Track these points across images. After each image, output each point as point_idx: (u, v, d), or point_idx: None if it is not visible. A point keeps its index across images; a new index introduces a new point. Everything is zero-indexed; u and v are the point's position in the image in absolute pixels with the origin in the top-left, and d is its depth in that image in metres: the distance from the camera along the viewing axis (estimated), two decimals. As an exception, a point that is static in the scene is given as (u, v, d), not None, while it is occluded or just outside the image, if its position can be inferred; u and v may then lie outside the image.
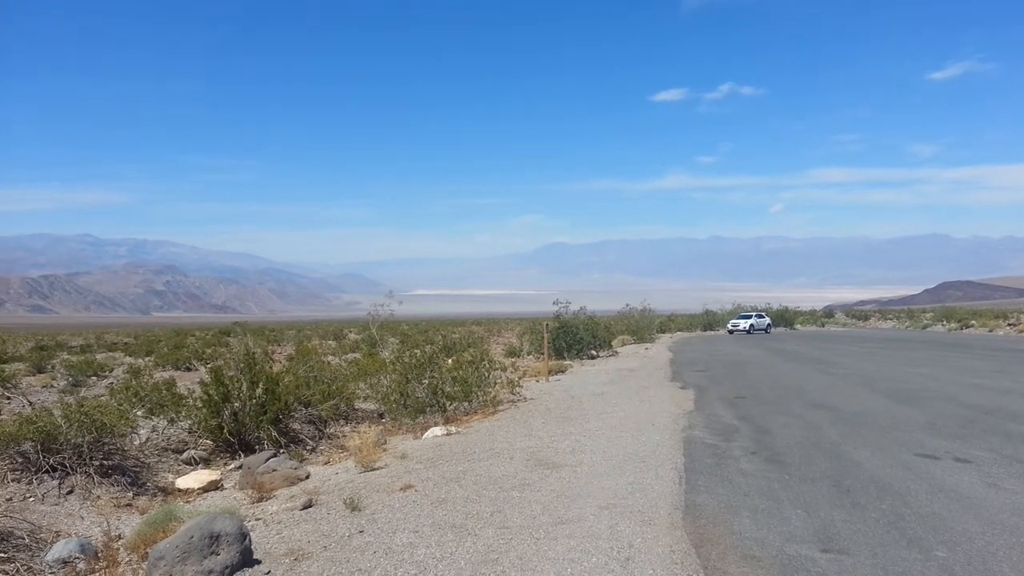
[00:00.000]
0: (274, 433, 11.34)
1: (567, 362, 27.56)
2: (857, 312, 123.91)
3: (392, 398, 14.07)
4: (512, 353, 32.67)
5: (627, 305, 58.26)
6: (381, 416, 14.48)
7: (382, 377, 15.63)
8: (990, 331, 53.85)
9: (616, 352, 35.19)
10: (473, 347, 24.70)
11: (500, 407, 14.74)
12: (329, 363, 19.69)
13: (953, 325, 62.92)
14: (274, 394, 11.56)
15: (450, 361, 16.13)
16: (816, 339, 46.61)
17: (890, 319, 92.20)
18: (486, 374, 15.30)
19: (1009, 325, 55.37)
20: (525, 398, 16.17)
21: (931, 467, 8.43)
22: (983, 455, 9.02)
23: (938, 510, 6.70)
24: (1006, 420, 11.63)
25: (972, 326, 60.01)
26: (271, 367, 13.29)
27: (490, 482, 8.18)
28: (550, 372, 22.30)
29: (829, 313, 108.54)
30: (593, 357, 31.40)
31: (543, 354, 25.20)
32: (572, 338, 31.11)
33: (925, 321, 73.75)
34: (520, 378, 16.54)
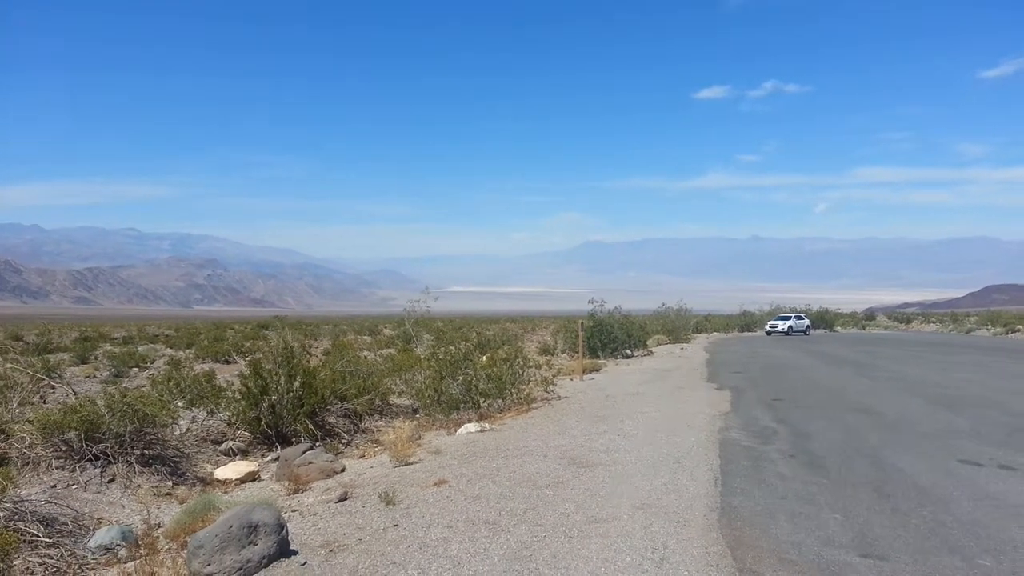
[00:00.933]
0: (310, 426, 11.46)
1: (601, 361, 27.43)
2: (899, 315, 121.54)
3: (426, 394, 14.13)
4: (546, 351, 32.62)
5: (663, 304, 57.82)
6: (415, 412, 14.56)
7: (416, 373, 15.71)
8: (1038, 336, 52.39)
9: (651, 352, 34.94)
10: (507, 344, 24.69)
11: (534, 405, 14.73)
12: (364, 358, 19.85)
13: (998, 329, 61.33)
14: (311, 388, 11.69)
15: (484, 358, 16.15)
16: (856, 342, 45.75)
17: (933, 322, 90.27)
18: (520, 372, 15.29)
19: (1058, 330, 53.81)
20: (559, 396, 16.14)
21: (974, 474, 8.23)
22: (1030, 463, 8.78)
23: (981, 518, 6.54)
24: (1054, 428, 11.30)
25: (1018, 331, 58.43)
26: (308, 361, 13.42)
27: (523, 479, 8.18)
28: (584, 371, 22.24)
29: (870, 315, 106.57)
30: (628, 356, 31.23)
31: (577, 352, 25.13)
32: (607, 337, 30.97)
33: (969, 325, 72.07)
34: (554, 376, 16.50)
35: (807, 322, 63.88)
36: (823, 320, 75.52)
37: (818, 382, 18.97)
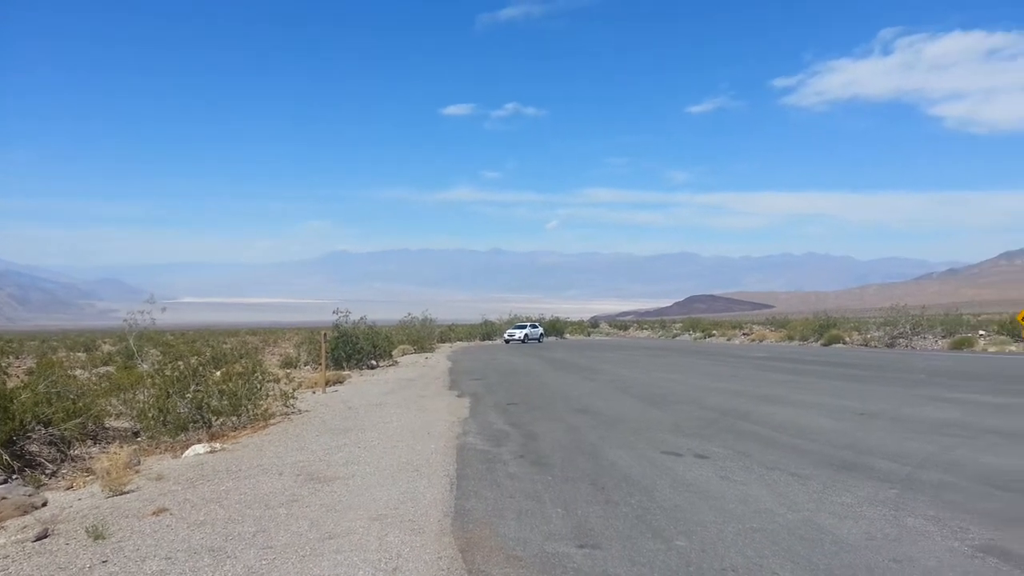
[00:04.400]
0: (6, 457, 10.06)
1: (346, 372, 27.12)
2: (618, 323, 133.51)
3: (150, 415, 13.00)
4: (289, 364, 31.53)
5: (409, 315, 58.43)
6: (137, 435, 13.36)
7: (139, 392, 14.41)
8: (728, 340, 60.50)
9: (396, 362, 35.19)
10: (246, 358, 23.46)
11: (272, 421, 14.19)
12: (76, 377, 17.79)
13: (698, 334, 69.92)
14: (7, 412, 10.26)
15: (219, 373, 15.24)
16: (582, 348, 49.69)
17: (646, 329, 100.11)
18: (258, 386, 14.64)
19: (744, 335, 62.68)
20: (300, 411, 15.68)
21: (674, 464, 9.32)
22: (718, 451, 10.11)
23: (679, 503, 7.39)
24: (738, 420, 13.11)
25: (714, 335, 67.09)
26: (4, 383, 11.78)
27: (255, 500, 7.85)
28: (328, 383, 21.83)
29: (594, 323, 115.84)
30: (373, 367, 31.15)
31: (321, 364, 24.59)
32: (352, 348, 30.68)
33: (675, 331, 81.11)
34: (295, 390, 16.03)
35: (541, 330, 68.16)
36: (555, 328, 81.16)
37: (548, 386, 20.32)
